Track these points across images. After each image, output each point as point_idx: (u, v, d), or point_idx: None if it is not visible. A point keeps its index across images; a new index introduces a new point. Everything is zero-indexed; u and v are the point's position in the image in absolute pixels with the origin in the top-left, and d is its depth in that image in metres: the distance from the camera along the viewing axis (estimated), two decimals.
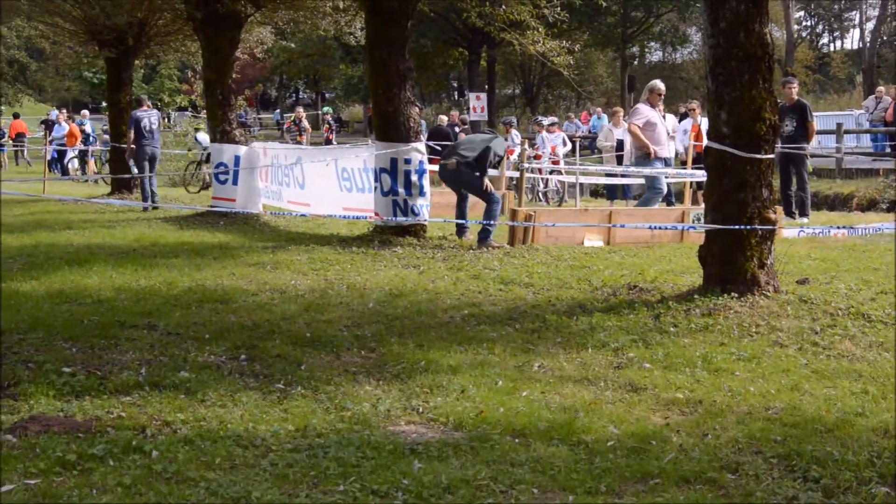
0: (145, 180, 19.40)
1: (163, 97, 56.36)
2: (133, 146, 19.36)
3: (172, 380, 6.59)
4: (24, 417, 5.70)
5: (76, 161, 31.63)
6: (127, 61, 22.32)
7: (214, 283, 10.45)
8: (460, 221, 13.93)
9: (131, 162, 19.99)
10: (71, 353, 7.34)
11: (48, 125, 23.82)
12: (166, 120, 49.35)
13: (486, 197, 13.41)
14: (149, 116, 19.48)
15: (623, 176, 18.46)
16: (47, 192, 23.23)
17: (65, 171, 30.85)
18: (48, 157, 30.46)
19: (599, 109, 37.22)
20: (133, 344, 7.70)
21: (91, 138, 32.59)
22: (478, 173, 13.50)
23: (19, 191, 21.49)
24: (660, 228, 13.21)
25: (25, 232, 15.15)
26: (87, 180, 29.48)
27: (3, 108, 53.25)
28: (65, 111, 38.97)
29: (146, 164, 19.33)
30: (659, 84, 16.17)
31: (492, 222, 12.83)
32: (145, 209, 18.40)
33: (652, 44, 66.18)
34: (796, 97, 16.67)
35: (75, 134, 31.38)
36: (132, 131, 19.35)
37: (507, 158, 20.87)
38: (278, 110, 61.43)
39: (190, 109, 50.17)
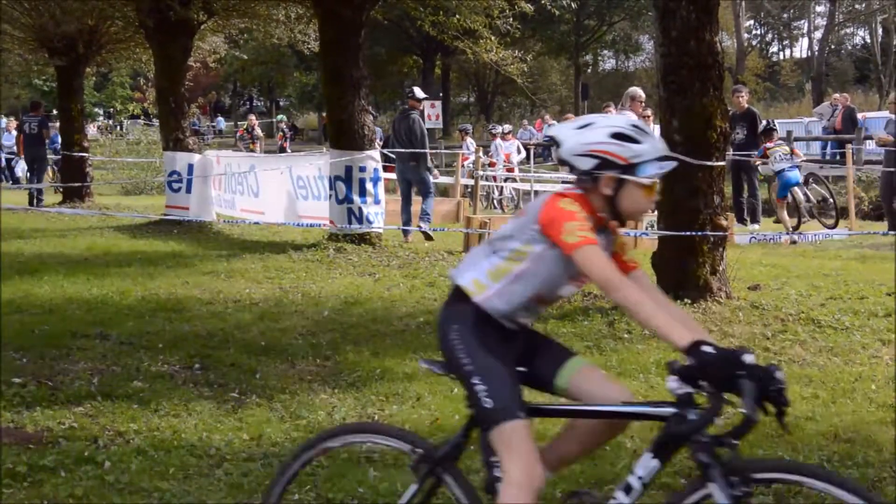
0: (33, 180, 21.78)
1: (115, 105, 55.84)
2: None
3: (125, 390, 6.55)
4: None
5: (26, 169, 31.23)
6: (77, 69, 22.07)
7: (168, 293, 10.37)
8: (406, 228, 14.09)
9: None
10: (21, 363, 7.25)
11: (20, 127, 23.37)
12: (118, 128, 48.95)
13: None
14: (30, 122, 21.87)
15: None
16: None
17: (15, 180, 30.45)
18: None
19: (548, 117, 37.39)
20: (85, 354, 7.63)
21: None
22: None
23: None
24: (643, 235, 13.25)
25: None
26: (37, 189, 29.13)
27: None
28: (14, 119, 38.46)
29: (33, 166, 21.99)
30: (639, 91, 16.16)
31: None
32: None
33: (605, 52, 66.69)
34: (746, 105, 16.84)
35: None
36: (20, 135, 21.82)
37: (462, 166, 20.95)
38: (220, 118, 60.96)
39: (142, 117, 49.81)
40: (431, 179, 15.94)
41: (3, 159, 29.81)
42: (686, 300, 8.70)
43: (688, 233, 8.80)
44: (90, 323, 8.77)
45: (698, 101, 8.78)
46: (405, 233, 14.74)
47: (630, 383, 6.80)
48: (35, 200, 21.12)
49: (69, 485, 4.84)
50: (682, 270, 8.92)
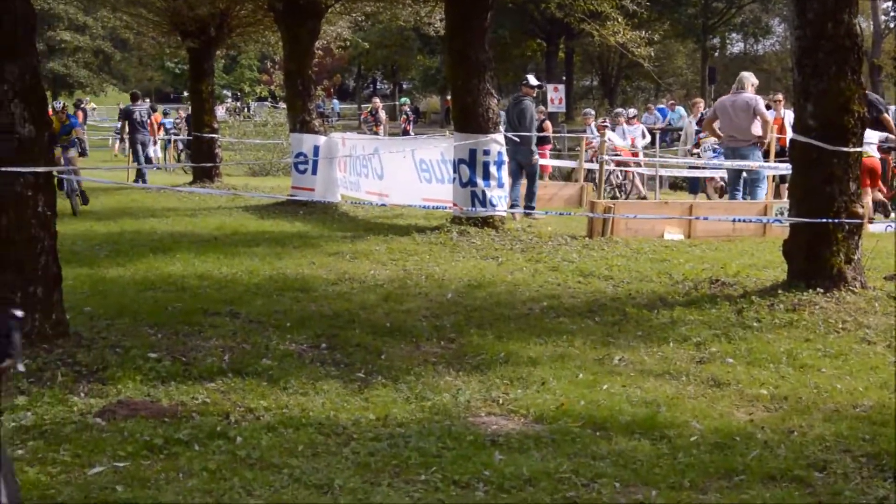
0: (139, 160, 23.44)
1: (243, 87, 56.99)
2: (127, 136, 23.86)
3: (255, 367, 6.66)
4: (112, 402, 5.81)
5: (159, 150, 32.09)
6: (209, 52, 22.56)
7: (295, 272, 10.55)
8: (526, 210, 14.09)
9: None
10: (156, 339, 7.45)
11: (127, 115, 24.38)
12: (246, 110, 49.90)
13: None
14: (138, 110, 23.63)
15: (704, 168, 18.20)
16: (131, 180, 23.62)
17: (147, 160, 31.32)
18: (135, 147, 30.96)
19: (673, 102, 36.77)
20: (216, 331, 7.79)
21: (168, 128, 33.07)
22: None
23: (105, 178, 21.89)
24: (742, 221, 13.02)
25: (111, 219, 15.43)
26: (168, 168, 29.93)
27: (88, 97, 54.26)
28: (147, 100, 39.54)
29: (139, 149, 23.40)
30: (753, 76, 15.80)
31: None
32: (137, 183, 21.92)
33: (733, 35, 65.24)
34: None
35: (157, 122, 31.85)
36: (126, 122, 23.86)
37: (585, 150, 20.76)
38: (335, 100, 61.40)
39: (269, 99, 50.70)
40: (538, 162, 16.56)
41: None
42: (819, 289, 8.47)
43: (822, 220, 8.54)
44: (221, 301, 8.97)
45: (835, 85, 8.51)
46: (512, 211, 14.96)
47: (760, 373, 6.66)
48: (140, 180, 22.91)
49: (202, 458, 4.94)
50: (815, 259, 8.68)
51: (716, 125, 15.04)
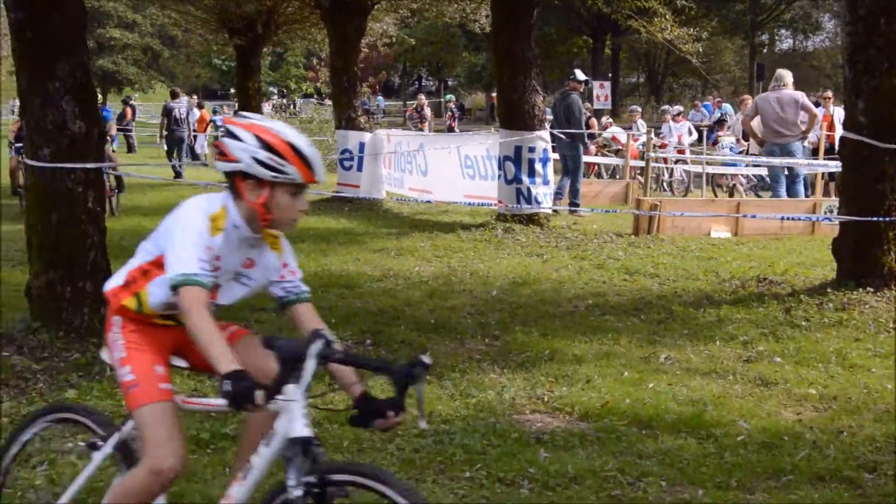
0: (179, 156, 24.62)
1: (289, 84, 57.31)
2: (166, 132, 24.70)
3: None
4: None
5: (206, 146, 32.32)
6: (255, 49, 22.69)
7: (340, 269, 10.58)
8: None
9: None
10: None
11: (167, 112, 25.01)
12: (292, 107, 50.15)
13: None
14: (178, 106, 24.63)
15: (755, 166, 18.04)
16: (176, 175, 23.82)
17: (195, 156, 31.58)
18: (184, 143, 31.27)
19: (720, 99, 36.45)
20: (262, 327, 7.84)
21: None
22: None
23: (152, 174, 22.08)
24: (791, 220, 12.87)
25: (158, 215, 15.45)
26: (215, 165, 30.14)
27: (136, 94, 54.82)
28: (195, 97, 39.87)
29: (176, 146, 24.53)
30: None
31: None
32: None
33: (782, 31, 64.57)
34: None
35: (206, 119, 32.10)
36: (166, 119, 24.71)
37: (632, 147, 20.66)
38: (380, 97, 61.44)
39: (315, 96, 50.90)
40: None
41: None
42: (869, 288, 8.37)
43: (872, 218, 8.43)
44: (265, 297, 8.98)
45: (887, 82, 8.39)
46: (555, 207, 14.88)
47: (808, 372, 6.59)
48: (176, 175, 23.35)
49: None
50: (865, 257, 8.57)
51: (755, 123, 14.88)
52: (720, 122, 18.52)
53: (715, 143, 18.92)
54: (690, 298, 8.97)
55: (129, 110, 38.93)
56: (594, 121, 22.52)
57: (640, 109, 26.24)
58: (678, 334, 7.74)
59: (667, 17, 19.21)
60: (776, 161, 15.01)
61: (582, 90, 16.81)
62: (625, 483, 4.72)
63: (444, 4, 20.54)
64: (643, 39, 31.36)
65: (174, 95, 26.45)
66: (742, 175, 18.33)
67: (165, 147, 25.90)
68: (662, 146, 21.50)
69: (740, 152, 18.59)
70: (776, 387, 6.32)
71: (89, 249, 6.99)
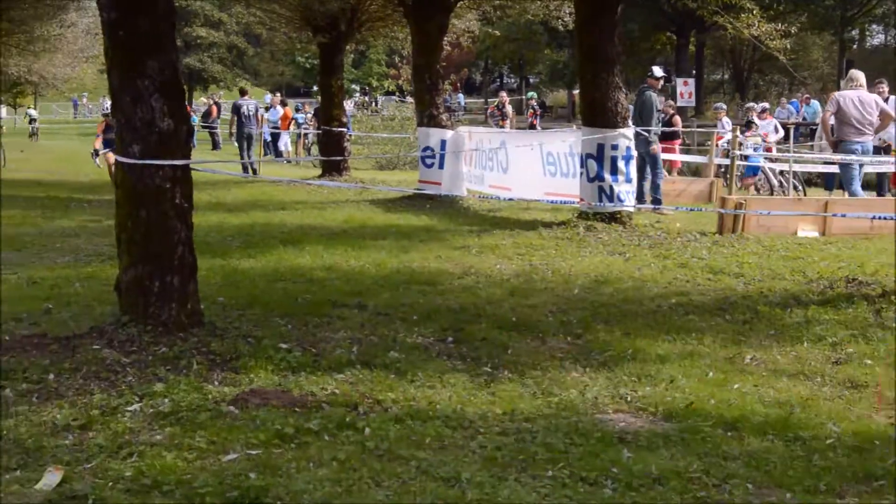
0: (244, 155, 25.36)
1: (371, 81, 57.66)
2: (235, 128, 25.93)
3: (383, 359, 6.72)
4: (245, 390, 5.92)
5: (289, 143, 32.70)
6: (339, 47, 22.86)
7: (421, 266, 10.62)
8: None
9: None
10: (287, 329, 7.58)
11: (236, 110, 25.86)
12: (374, 104, 50.44)
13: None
14: (247, 104, 25.78)
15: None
16: (261, 172, 24.14)
17: (278, 154, 31.95)
18: (262, 140, 31.68)
19: (808, 96, 35.79)
20: (345, 323, 7.89)
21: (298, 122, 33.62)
22: None
23: (234, 171, 22.42)
24: (881, 219, 12.58)
25: (243, 211, 15.78)
26: (298, 162, 30.46)
27: (221, 92, 55.61)
28: (278, 95, 40.31)
29: (245, 143, 25.44)
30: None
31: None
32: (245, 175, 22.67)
33: (873, 26, 63.14)
34: None
35: (289, 117, 32.46)
36: (235, 116, 25.92)
37: (717, 145, 20.41)
38: (460, 94, 61.28)
39: (396, 94, 51.15)
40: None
41: (269, 134, 31.31)
42: None
43: None
44: (349, 293, 9.08)
45: None
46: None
47: None
48: (251, 171, 24.15)
49: (332, 448, 5.01)
50: None
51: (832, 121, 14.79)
52: (748, 124, 19.01)
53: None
54: (777, 299, 8.83)
55: (214, 108, 39.55)
56: (678, 118, 22.23)
57: (724, 107, 25.82)
58: (764, 335, 7.62)
59: (754, 12, 18.91)
60: (867, 159, 14.84)
61: (659, 87, 16.63)
62: (710, 485, 4.65)
63: (528, 2, 20.48)
64: (729, 36, 30.84)
65: (243, 93, 27.52)
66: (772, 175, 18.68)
67: (236, 144, 27.16)
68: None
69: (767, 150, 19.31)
70: (866, 389, 6.19)
71: (177, 245, 7.10)
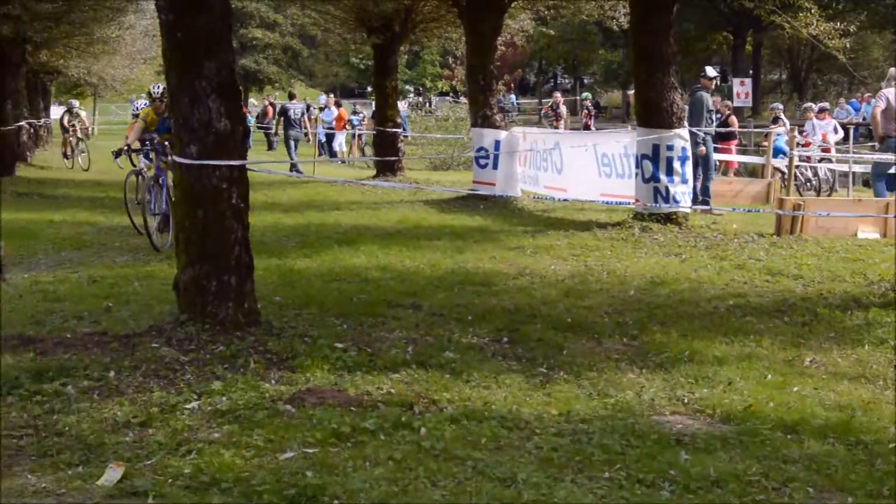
0: (292, 155, 25.86)
1: (425, 82, 57.76)
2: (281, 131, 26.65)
3: (438, 359, 6.73)
4: (301, 389, 5.96)
5: (344, 144, 32.81)
6: (393, 47, 22.91)
7: (476, 266, 10.61)
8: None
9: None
10: (342, 329, 7.62)
11: (283, 112, 26.66)
12: (427, 105, 50.50)
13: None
14: (294, 108, 26.56)
15: None
16: (316, 173, 24.27)
17: (332, 154, 32.08)
18: (317, 140, 31.87)
19: (870, 95, 35.23)
20: (399, 323, 7.91)
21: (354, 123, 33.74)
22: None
23: (288, 172, 22.55)
24: None
25: (298, 211, 15.87)
26: (352, 162, 30.58)
27: (276, 93, 56.00)
28: (332, 96, 40.51)
29: (292, 144, 26.07)
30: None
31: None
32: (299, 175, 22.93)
33: None
34: None
35: (344, 118, 32.57)
36: (282, 119, 26.87)
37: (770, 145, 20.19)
38: (512, 95, 61.04)
39: (450, 94, 51.17)
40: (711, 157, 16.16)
41: (324, 135, 31.45)
42: None
43: None
44: (403, 293, 9.10)
45: None
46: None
47: None
48: (295, 171, 24.26)
49: (388, 448, 5.02)
50: None
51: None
52: (775, 121, 19.09)
53: (766, 136, 19.70)
54: (836, 301, 8.71)
55: (269, 109, 39.81)
56: (734, 119, 22.00)
57: (781, 107, 25.55)
58: (824, 337, 7.52)
59: (812, 11, 18.66)
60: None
61: (712, 87, 16.46)
62: (769, 488, 4.60)
63: (582, 1, 20.40)
64: (786, 35, 30.46)
65: (291, 97, 28.94)
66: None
67: (284, 145, 27.92)
68: (806, 144, 20.93)
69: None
70: None
71: (233, 245, 7.15)
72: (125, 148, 12.58)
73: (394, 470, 4.73)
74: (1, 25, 21.25)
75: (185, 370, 6.25)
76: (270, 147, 37.79)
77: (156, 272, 10.12)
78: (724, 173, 21.30)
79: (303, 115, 27.22)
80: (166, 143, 10.82)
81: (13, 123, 24.25)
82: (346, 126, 32.26)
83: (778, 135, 19.81)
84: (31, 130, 29.02)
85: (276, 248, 11.62)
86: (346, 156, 32.45)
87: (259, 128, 38.58)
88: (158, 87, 12.68)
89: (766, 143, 20.66)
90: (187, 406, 5.59)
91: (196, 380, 6.06)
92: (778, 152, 19.44)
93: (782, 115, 20.68)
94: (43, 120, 36.33)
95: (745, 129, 28.31)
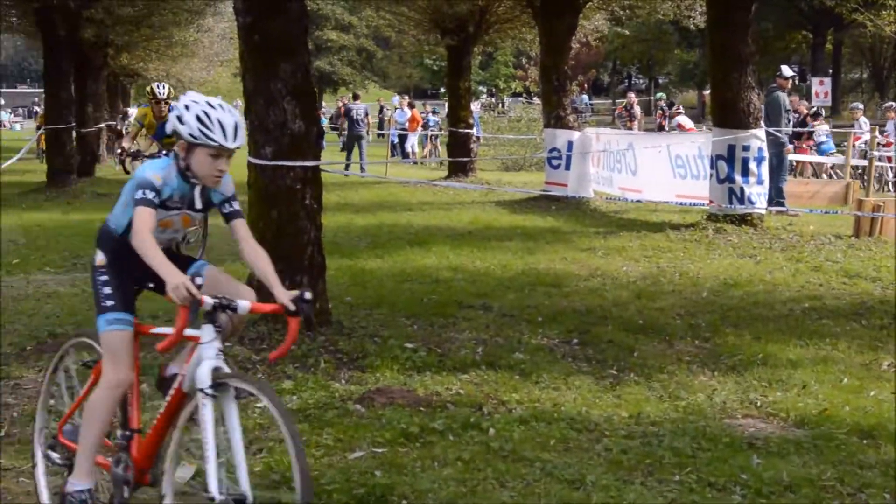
0: (351, 156, 25.70)
1: (498, 83, 57.69)
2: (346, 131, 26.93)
3: (508, 360, 6.73)
4: (371, 389, 6.00)
5: (416, 145, 32.92)
6: (467, 49, 22.91)
7: (547, 267, 10.58)
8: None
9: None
10: (412, 329, 7.65)
11: (346, 113, 26.87)
12: (500, 106, 50.44)
13: None
14: (356, 108, 26.41)
15: None
16: (389, 174, 24.38)
17: (405, 155, 32.20)
18: (389, 141, 32.03)
19: None
20: (469, 323, 7.92)
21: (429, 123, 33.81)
22: None
23: (359, 172, 22.69)
24: None
25: (369, 212, 15.96)
26: (424, 163, 30.67)
27: (350, 94, 56.39)
28: (406, 97, 40.67)
29: (355, 144, 25.98)
30: None
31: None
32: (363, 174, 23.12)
33: None
34: None
35: (417, 119, 32.69)
36: (346, 119, 27.05)
37: (853, 146, 19.84)
38: (584, 96, 60.66)
39: (523, 95, 51.04)
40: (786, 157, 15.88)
41: (396, 135, 31.61)
42: None
43: None
44: (474, 294, 9.11)
45: None
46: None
47: None
48: (360, 170, 24.71)
49: (457, 448, 5.03)
50: None
51: None
52: (815, 115, 19.01)
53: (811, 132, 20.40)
54: None
55: (343, 110, 40.14)
56: (815, 119, 21.68)
57: (862, 107, 25.07)
58: None
59: None
60: None
61: (789, 87, 16.22)
62: (844, 493, 4.53)
63: (658, 1, 20.24)
64: (868, 33, 29.91)
65: (355, 97, 29.06)
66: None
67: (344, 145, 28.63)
68: (887, 144, 20.53)
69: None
70: None
71: (307, 245, 7.22)
72: (120, 154, 12.12)
73: (462, 470, 4.75)
74: (84, 29, 21.72)
75: (257, 369, 6.33)
76: (344, 148, 38.10)
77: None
78: (801, 174, 20.98)
79: (366, 115, 27.36)
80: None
81: (94, 126, 24.76)
82: (419, 126, 32.36)
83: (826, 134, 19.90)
84: (111, 132, 29.58)
85: (348, 249, 11.70)
86: (419, 156, 32.55)
87: (332, 129, 38.91)
88: (164, 88, 11.64)
89: (845, 144, 20.29)
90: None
91: (267, 378, 6.13)
92: (823, 151, 19.53)
93: (860, 117, 20.59)
94: (124, 121, 37.05)
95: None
